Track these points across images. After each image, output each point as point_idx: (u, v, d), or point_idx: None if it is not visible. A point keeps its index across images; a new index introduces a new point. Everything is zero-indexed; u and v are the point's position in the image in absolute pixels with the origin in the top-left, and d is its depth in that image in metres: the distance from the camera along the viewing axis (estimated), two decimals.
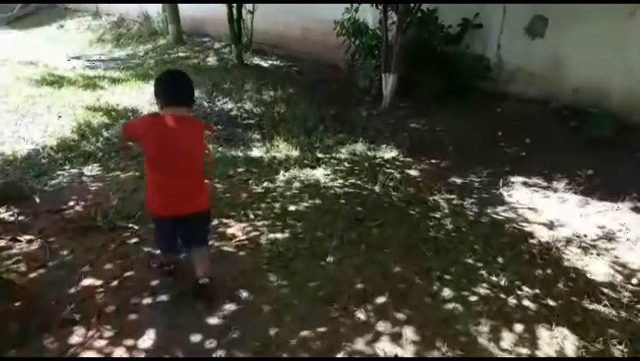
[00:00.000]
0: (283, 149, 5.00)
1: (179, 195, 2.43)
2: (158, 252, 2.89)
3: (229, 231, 3.33)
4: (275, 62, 9.16)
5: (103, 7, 12.83)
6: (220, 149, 4.92)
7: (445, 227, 3.54)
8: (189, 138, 2.39)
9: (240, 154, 4.83)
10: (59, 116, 5.17)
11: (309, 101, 6.71)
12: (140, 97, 6.13)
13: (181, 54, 9.19)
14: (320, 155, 4.96)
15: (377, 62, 6.86)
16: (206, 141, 2.57)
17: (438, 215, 3.73)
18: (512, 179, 4.49)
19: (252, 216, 3.52)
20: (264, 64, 9.03)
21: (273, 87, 7.25)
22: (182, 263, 2.80)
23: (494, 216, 3.80)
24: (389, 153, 5.17)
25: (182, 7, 9.93)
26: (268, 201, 3.80)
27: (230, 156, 4.73)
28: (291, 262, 2.97)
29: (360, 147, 5.23)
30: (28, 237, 3.10)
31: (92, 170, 4.18)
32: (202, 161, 2.50)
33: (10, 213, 3.38)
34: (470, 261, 3.12)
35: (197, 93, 6.62)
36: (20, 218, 3.33)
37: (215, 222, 3.44)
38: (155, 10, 10.90)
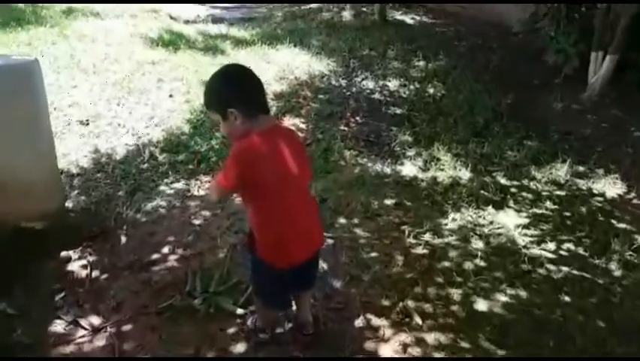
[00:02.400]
0: (447, 165, 3.48)
1: (303, 234, 1.76)
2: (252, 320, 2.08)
3: (382, 348, 2.02)
4: (423, 18, 7.32)
5: None
6: (360, 159, 3.56)
7: None
8: (296, 154, 1.69)
9: (387, 170, 3.42)
10: (170, 95, 4.16)
11: (473, 80, 4.96)
12: (265, 69, 4.90)
13: (313, 5, 7.73)
14: (503, 180, 3.36)
15: (576, 33, 4.81)
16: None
17: None
18: None
19: (417, 320, 2.16)
20: (409, 20, 7.24)
21: (424, 55, 5.55)
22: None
23: None
24: (611, 185, 3.38)
25: None
26: (439, 282, 2.39)
27: (373, 174, 3.35)
28: None
29: (563, 168, 3.50)
30: (95, 320, 2.10)
31: (201, 186, 3.11)
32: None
33: (84, 262, 2.42)
34: None
35: (330, 64, 5.27)
36: (95, 274, 2.36)
37: (359, 321, 2.15)
38: None
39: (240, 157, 1.59)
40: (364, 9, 7.31)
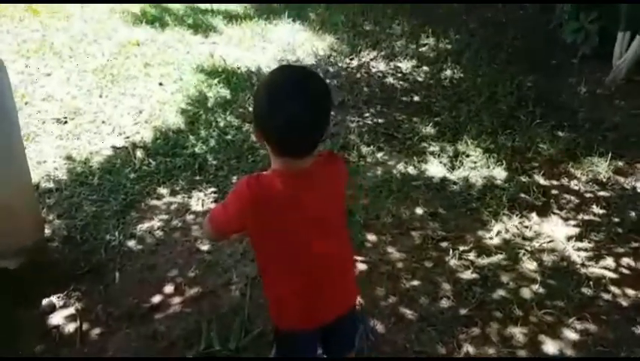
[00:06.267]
0: (478, 162, 3.00)
1: (326, 292, 1.27)
2: None
3: None
4: None
5: None
6: (380, 157, 3.04)
7: None
8: (328, 201, 1.20)
9: (413, 171, 2.92)
10: (160, 84, 3.52)
11: (488, 60, 4.42)
12: (264, 50, 4.26)
13: None
14: (542, 180, 2.91)
15: (596, 8, 4.27)
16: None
17: None
18: None
19: None
20: None
21: (433, 31, 4.95)
22: None
23: None
24: None
25: None
26: (497, 318, 1.96)
27: (399, 176, 2.85)
28: None
29: (602, 164, 3.06)
30: None
31: (202, 199, 2.55)
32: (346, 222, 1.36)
33: (72, 311, 1.89)
34: None
35: (334, 43, 4.64)
36: (85, 327, 1.85)
37: None
38: None
39: (239, 195, 1.13)
40: None
